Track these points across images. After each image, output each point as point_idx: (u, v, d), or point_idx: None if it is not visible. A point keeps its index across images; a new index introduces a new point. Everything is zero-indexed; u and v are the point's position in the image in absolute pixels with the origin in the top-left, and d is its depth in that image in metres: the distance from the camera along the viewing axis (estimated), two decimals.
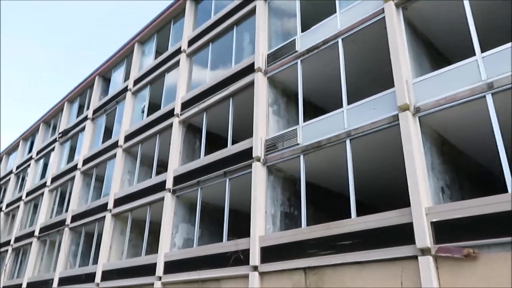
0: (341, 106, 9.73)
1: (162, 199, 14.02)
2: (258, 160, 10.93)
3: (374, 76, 10.88)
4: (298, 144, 10.27)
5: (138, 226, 16.25)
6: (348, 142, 9.22)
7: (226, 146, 12.63)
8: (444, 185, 8.25)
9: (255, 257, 9.86)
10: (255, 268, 9.83)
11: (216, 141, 14.44)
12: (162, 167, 17.61)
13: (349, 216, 8.65)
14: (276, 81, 12.17)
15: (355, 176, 8.96)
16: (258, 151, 10.99)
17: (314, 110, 13.20)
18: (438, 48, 10.41)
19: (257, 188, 10.57)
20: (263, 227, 10.28)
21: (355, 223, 8.28)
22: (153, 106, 17.76)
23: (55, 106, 27.55)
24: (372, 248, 7.84)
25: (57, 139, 25.01)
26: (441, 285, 6.85)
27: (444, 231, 7.06)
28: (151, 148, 16.73)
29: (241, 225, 11.75)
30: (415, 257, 7.24)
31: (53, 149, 25.74)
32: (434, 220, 7.20)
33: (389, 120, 8.56)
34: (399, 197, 8.48)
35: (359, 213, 8.62)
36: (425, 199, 7.47)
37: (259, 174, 10.76)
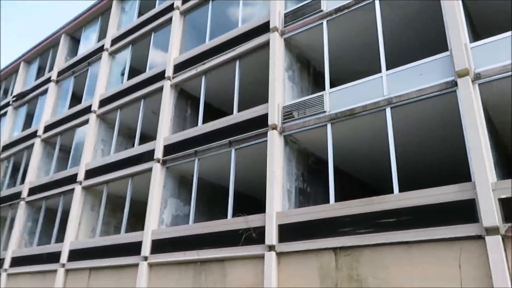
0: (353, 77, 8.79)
1: (149, 170, 12.42)
2: (275, 128, 9.72)
3: (412, 42, 9.94)
4: (324, 111, 9.18)
5: (112, 202, 14.51)
6: (388, 110, 8.25)
7: (221, 117, 11.35)
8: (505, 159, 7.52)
9: (272, 236, 8.69)
10: (271, 247, 8.66)
11: (210, 112, 13.03)
12: (140, 138, 15.97)
13: (361, 196, 7.84)
14: (292, 44, 10.97)
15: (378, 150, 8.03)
16: (275, 118, 9.77)
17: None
18: None
19: (274, 159, 9.38)
20: (280, 203, 9.13)
21: (402, 198, 7.34)
22: (134, 70, 15.93)
23: (7, 66, 24.49)
24: (423, 226, 6.95)
25: (11, 103, 22.20)
26: (511, 269, 6.08)
27: None
28: (132, 115, 14.95)
29: (241, 207, 10.52)
30: (477, 237, 6.43)
31: (4, 115, 22.89)
32: (503, 196, 6.41)
33: (441, 87, 7.68)
34: (447, 173, 7.67)
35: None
36: (490, 174, 6.67)
37: (276, 144, 9.56)
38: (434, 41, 9.00)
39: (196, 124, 12.80)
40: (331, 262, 7.83)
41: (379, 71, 8.81)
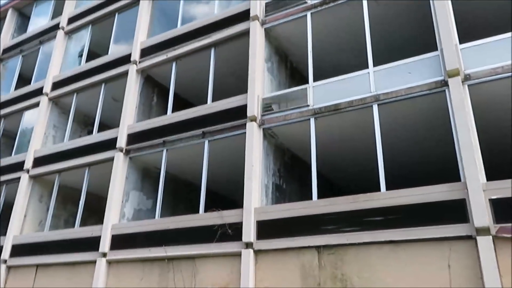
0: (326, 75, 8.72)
1: (109, 160, 11.47)
2: (254, 120, 9.27)
3: (398, 40, 9.89)
4: (307, 105, 8.87)
5: (62, 194, 13.31)
6: (376, 107, 8.10)
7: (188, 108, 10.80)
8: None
9: (249, 232, 8.23)
10: (248, 245, 8.21)
11: (177, 103, 12.29)
12: (93, 126, 14.85)
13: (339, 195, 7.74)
14: (271, 35, 10.58)
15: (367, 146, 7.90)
16: (254, 110, 9.32)
17: (301, 78, 11.98)
18: None
19: (253, 153, 8.93)
20: (258, 198, 8.70)
21: (390, 197, 7.19)
22: (92, 53, 14.77)
23: None
24: (411, 226, 6.83)
25: None
26: (501, 269, 6.08)
27: (505, 210, 6.32)
28: (89, 101, 13.83)
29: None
30: (467, 237, 6.40)
31: None
32: (494, 197, 6.42)
33: (430, 86, 7.64)
34: (434, 172, 7.64)
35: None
36: (481, 174, 6.67)
37: (255, 137, 9.11)
38: (421, 40, 9.00)
39: (162, 114, 12.08)
40: (313, 261, 7.52)
41: (363, 68, 8.66)
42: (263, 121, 9.33)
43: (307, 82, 11.66)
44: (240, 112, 9.65)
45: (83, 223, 12.19)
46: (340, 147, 9.90)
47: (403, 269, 6.73)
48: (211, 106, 10.30)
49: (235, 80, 11.91)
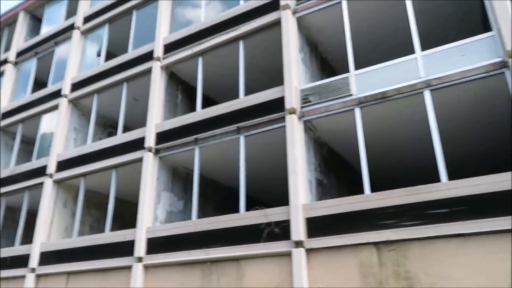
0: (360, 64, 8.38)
1: (137, 160, 11.09)
2: (293, 112, 8.85)
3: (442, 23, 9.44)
4: (350, 95, 8.43)
5: (86, 198, 12.90)
6: (428, 93, 7.65)
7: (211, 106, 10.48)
8: None
9: (299, 230, 7.81)
10: (298, 243, 7.79)
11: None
12: (114, 128, 14.54)
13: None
14: (302, 25, 10.15)
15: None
16: (293, 102, 8.89)
17: (330, 69, 11.57)
18: None
19: (295, 147, 8.50)
20: (304, 195, 8.28)
21: (453, 187, 6.74)
22: (109, 52, 14.39)
23: None
24: (480, 217, 6.38)
25: None
26: None
27: None
28: (108, 102, 13.47)
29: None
30: None
31: None
32: None
33: (487, 69, 7.19)
34: (491, 160, 7.20)
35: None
36: None
37: (296, 130, 8.69)
38: (466, 23, 8.55)
39: (187, 112, 11.71)
40: (372, 258, 7.09)
41: (403, 54, 8.24)
42: (302, 113, 8.90)
43: (335, 74, 11.34)
44: (275, 105, 9.24)
45: (111, 228, 11.87)
46: (387, 139, 9.46)
47: (474, 264, 6.29)
48: (244, 100, 9.88)
49: (259, 75, 11.51)
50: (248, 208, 8.96)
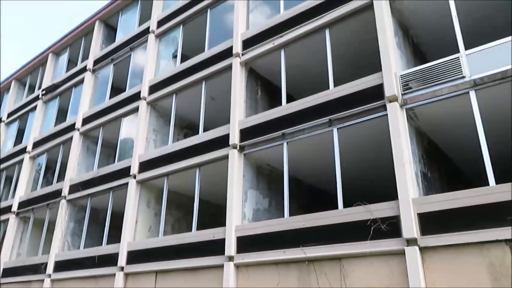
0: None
1: (221, 158, 10.91)
2: (395, 100, 8.17)
3: None
4: (463, 77, 7.62)
5: (167, 198, 12.93)
6: None
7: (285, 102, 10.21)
8: None
9: (411, 227, 7.11)
10: (410, 241, 7.09)
11: (276, 97, 11.51)
12: (189, 128, 14.58)
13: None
14: (394, 8, 9.45)
15: None
16: (394, 89, 8.21)
17: (421, 54, 10.75)
18: None
19: (400, 137, 7.82)
20: (413, 188, 7.57)
21: None
22: (183, 53, 14.43)
23: (33, 60, 23.05)
24: None
25: (40, 97, 20.72)
26: None
27: None
28: (184, 103, 13.50)
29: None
30: None
31: (32, 110, 21.44)
32: None
33: None
34: None
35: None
36: None
37: (400, 119, 8.01)
38: None
39: (268, 108, 11.40)
40: (505, 258, 6.24)
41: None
42: (405, 100, 8.20)
43: (427, 59, 10.50)
44: (372, 93, 8.62)
45: (188, 229, 11.84)
46: (503, 126, 8.52)
47: None
48: (334, 91, 9.33)
49: (341, 67, 10.90)
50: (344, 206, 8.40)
